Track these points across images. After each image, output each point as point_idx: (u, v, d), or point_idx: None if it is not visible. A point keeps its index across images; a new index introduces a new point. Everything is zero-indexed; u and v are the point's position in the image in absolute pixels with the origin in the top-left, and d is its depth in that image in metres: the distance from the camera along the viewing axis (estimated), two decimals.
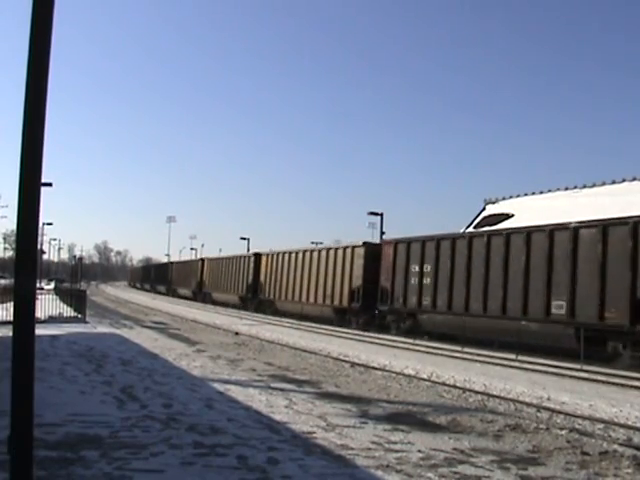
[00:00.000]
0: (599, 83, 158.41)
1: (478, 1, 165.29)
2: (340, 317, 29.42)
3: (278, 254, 37.31)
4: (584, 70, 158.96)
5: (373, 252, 27.15)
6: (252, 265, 41.30)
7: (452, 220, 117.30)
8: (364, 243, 28.56)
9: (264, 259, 39.82)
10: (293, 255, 34.71)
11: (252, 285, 41.37)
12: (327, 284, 30.07)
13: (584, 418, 9.35)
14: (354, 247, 28.35)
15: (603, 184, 34.22)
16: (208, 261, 53.80)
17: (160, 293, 71.21)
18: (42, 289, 47.28)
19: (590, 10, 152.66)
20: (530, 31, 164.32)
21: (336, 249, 30.15)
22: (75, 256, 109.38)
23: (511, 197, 40.32)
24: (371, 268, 26.65)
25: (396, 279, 24.72)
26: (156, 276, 77.98)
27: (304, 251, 33.90)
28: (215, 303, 48.43)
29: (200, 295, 53.59)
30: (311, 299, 31.67)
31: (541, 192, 37.90)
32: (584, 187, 35.32)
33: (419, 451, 6.55)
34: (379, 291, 26.10)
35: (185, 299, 56.56)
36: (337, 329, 27.17)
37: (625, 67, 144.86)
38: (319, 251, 32.31)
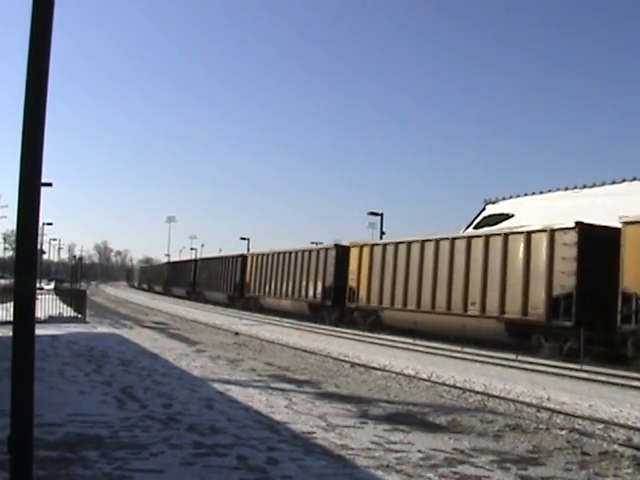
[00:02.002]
0: (599, 83, 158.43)
1: (476, 10, 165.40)
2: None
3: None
4: (584, 71, 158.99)
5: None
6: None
7: (452, 220, 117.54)
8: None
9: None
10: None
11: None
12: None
13: (584, 418, 9.35)
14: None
15: (603, 184, 34.23)
16: (358, 250, 28.98)
17: (211, 302, 48.90)
18: (42, 289, 47.26)
19: (590, 13, 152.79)
20: (530, 32, 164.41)
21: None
22: (75, 256, 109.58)
23: (511, 197, 40.36)
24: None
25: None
26: (205, 277, 53.00)
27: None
28: (382, 326, 26.64)
29: (334, 310, 30.56)
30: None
31: (541, 192, 37.94)
32: (584, 187, 35.34)
33: (419, 451, 6.55)
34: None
35: (294, 319, 32.97)
36: (337, 329, 27.32)
37: (626, 67, 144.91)
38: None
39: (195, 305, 47.78)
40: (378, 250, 27.26)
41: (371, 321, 27.18)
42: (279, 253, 37.94)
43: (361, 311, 28.21)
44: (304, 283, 33.39)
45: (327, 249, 32.12)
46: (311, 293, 32.50)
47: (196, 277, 56.41)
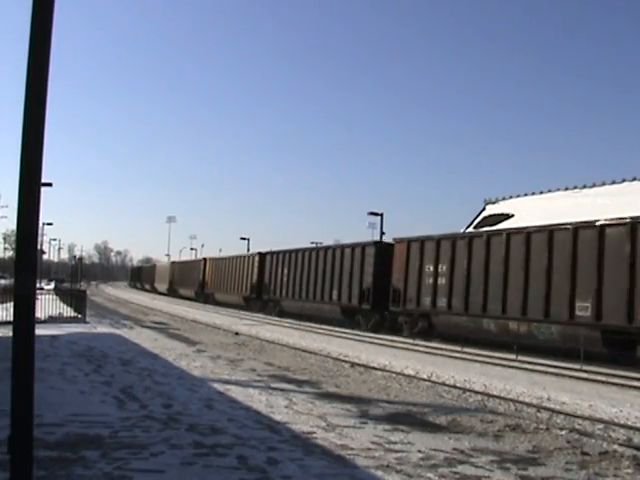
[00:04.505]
0: (600, 84, 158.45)
1: (477, 11, 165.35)
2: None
3: None
4: (584, 71, 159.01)
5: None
6: None
7: (452, 220, 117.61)
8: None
9: None
10: None
11: None
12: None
13: (584, 418, 9.35)
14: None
15: (603, 184, 34.11)
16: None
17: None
18: (42, 289, 47.05)
19: (592, 14, 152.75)
20: (531, 33, 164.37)
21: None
22: (75, 256, 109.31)
23: (511, 197, 40.21)
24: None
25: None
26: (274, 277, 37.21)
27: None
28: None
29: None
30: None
31: (541, 192, 37.79)
32: (584, 187, 35.22)
33: (419, 451, 6.55)
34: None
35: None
36: (337, 329, 27.37)
37: (626, 68, 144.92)
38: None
39: (195, 305, 47.78)
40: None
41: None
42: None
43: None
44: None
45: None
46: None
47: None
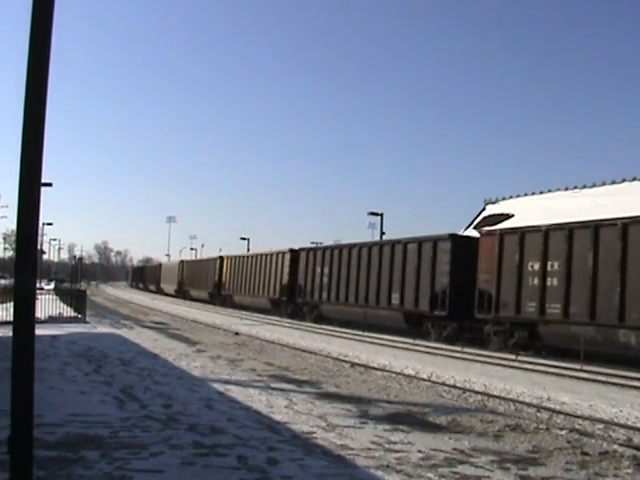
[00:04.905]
0: (600, 83, 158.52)
1: (477, 7, 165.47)
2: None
3: None
4: (585, 70, 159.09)
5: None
6: None
7: (452, 220, 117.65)
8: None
9: None
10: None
11: None
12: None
13: (584, 418, 9.35)
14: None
15: (603, 184, 34.15)
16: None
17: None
18: (42, 289, 47.12)
19: (593, 13, 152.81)
20: (531, 29, 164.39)
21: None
22: (75, 256, 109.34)
23: (511, 197, 40.25)
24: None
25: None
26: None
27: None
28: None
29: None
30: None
31: (541, 192, 37.83)
32: (584, 187, 35.26)
33: (419, 451, 6.55)
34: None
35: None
36: (338, 329, 27.35)
37: (626, 67, 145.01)
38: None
39: (195, 305, 47.74)
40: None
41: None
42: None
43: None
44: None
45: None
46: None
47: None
